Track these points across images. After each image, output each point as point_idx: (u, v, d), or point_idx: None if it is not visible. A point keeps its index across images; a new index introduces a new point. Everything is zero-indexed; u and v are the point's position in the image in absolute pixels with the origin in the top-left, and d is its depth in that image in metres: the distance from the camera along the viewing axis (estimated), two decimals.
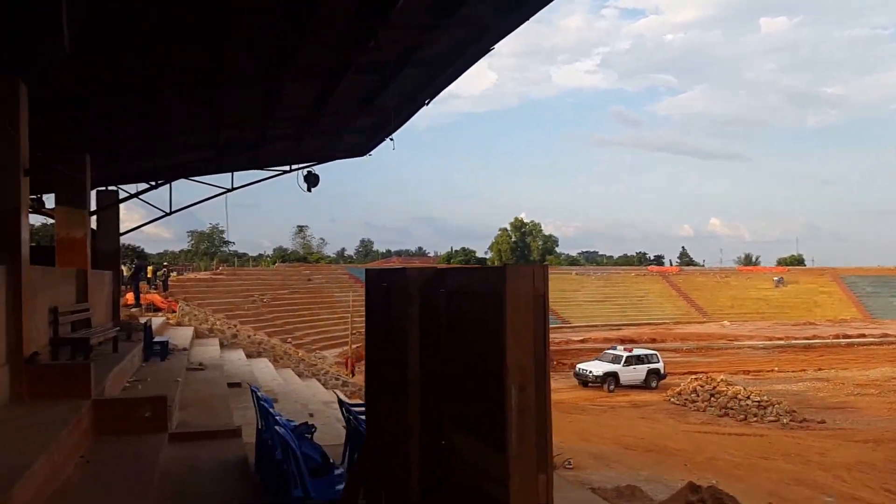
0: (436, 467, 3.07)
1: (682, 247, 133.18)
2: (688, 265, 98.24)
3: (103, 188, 16.31)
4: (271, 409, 6.55)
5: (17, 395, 7.32)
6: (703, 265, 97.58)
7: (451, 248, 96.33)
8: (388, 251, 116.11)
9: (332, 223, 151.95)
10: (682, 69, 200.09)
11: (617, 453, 20.60)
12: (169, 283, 40.74)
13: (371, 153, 16.00)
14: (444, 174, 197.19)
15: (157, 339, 15.29)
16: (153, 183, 15.62)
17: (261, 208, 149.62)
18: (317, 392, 20.15)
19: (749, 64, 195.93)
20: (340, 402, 8.86)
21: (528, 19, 7.73)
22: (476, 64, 9.65)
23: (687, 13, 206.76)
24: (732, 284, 77.97)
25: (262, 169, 16.27)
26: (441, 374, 3.01)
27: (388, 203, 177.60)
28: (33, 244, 14.12)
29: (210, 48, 7.62)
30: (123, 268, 33.04)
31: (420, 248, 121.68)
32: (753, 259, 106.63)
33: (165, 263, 56.39)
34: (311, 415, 12.69)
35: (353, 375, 31.60)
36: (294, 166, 15.60)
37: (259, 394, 7.36)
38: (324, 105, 10.63)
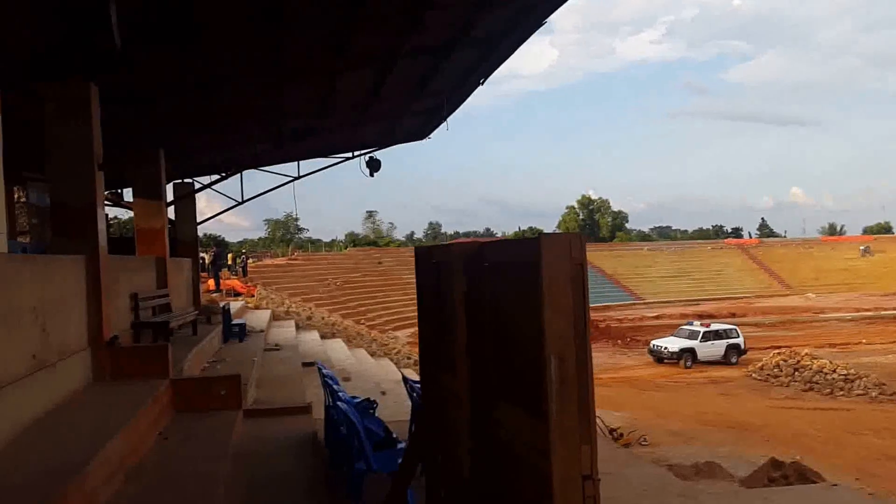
0: (485, 439, 3.11)
1: (762, 218, 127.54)
2: (768, 237, 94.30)
3: (180, 181, 17.06)
4: (335, 386, 6.74)
5: (100, 377, 7.76)
6: (784, 236, 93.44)
7: (519, 228, 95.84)
8: (456, 233, 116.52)
9: (401, 208, 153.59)
10: (752, 34, 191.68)
11: (695, 430, 20.11)
12: (248, 269, 42.40)
13: (430, 136, 16.19)
14: (509, 154, 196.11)
15: (235, 321, 15.93)
16: (222, 174, 16.19)
17: (332, 196, 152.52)
18: (389, 371, 20.55)
19: (823, 25, 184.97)
20: (405, 378, 9.03)
21: None
22: (530, 41, 9.52)
23: None
24: (816, 255, 74.57)
25: (325, 156, 16.60)
26: (487, 347, 3.03)
27: (454, 185, 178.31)
28: (117, 235, 15.02)
29: (268, 40, 7.85)
30: (205, 255, 34.60)
31: (487, 229, 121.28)
32: (838, 228, 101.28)
33: (244, 251, 58.82)
34: (384, 392, 12.95)
35: None
36: (356, 152, 15.82)
37: (324, 371, 7.59)
38: (379, 90, 10.74)
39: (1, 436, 5.03)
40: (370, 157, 14.74)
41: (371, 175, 14.62)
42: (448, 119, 13.23)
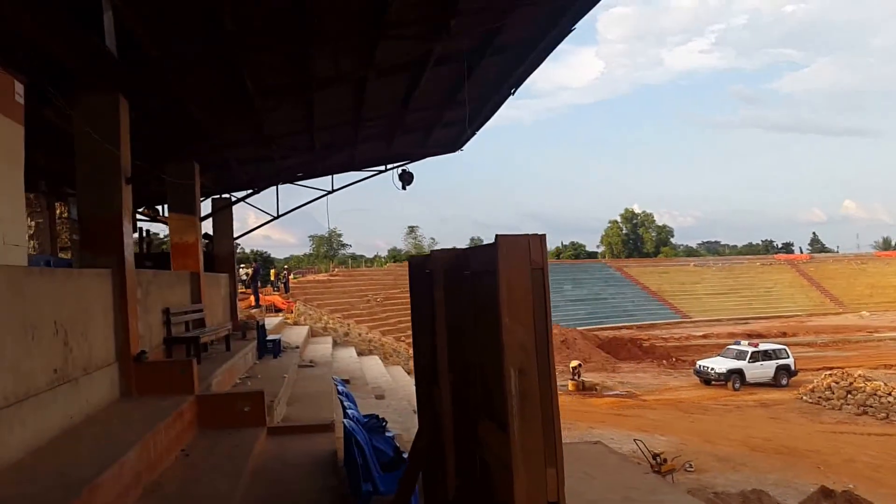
0: (469, 456, 2.94)
1: (813, 233, 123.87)
2: (820, 252, 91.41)
3: (217, 196, 17.23)
4: (345, 402, 6.55)
5: (127, 392, 7.73)
6: (836, 252, 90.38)
7: (561, 243, 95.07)
8: None
9: (443, 223, 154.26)
10: (803, 42, 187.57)
11: (743, 455, 19.47)
12: (290, 284, 42.89)
13: (462, 148, 16.07)
14: (553, 168, 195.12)
15: (270, 337, 15.91)
16: (256, 189, 16.32)
17: (374, 211, 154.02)
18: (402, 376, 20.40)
19: (877, 30, 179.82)
20: None
21: None
22: (575, 52, 9.52)
23: None
24: (870, 272, 72.04)
25: (359, 170, 16.60)
26: (469, 359, 2.87)
27: (496, 200, 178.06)
28: (158, 251, 15.21)
29: (295, 49, 7.83)
30: (246, 271, 35.10)
31: None
32: (893, 243, 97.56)
33: (286, 266, 59.77)
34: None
35: None
36: (389, 165, 15.79)
37: (339, 388, 7.41)
38: (409, 101, 10.65)
39: (20, 448, 5.03)
40: (402, 171, 14.63)
41: (404, 188, 14.50)
42: (480, 130, 13.10)
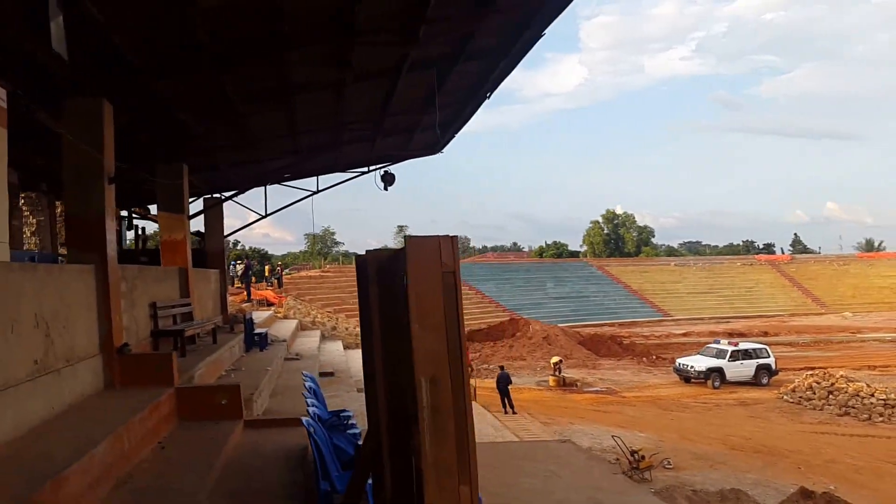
0: (405, 462, 2.87)
1: (795, 234, 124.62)
2: (801, 253, 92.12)
3: (209, 195, 17.49)
4: (309, 400, 6.72)
5: (110, 384, 7.96)
6: (818, 253, 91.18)
7: (545, 243, 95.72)
8: (484, 247, 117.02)
9: (433, 223, 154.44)
10: (785, 48, 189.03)
11: (722, 454, 19.54)
12: (283, 280, 43.30)
13: (443, 151, 16.35)
14: (539, 170, 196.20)
15: (257, 331, 16.12)
16: (242, 189, 16.60)
17: (366, 211, 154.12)
18: None
19: (858, 38, 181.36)
20: None
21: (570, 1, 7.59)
22: (559, 59, 9.77)
23: None
24: (852, 272, 72.59)
25: (343, 171, 16.89)
26: (401, 364, 2.71)
27: (484, 202, 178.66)
28: (153, 247, 15.47)
29: (272, 55, 8.03)
30: (240, 267, 35.36)
31: (515, 244, 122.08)
32: (876, 244, 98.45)
33: (280, 263, 60.34)
34: None
35: None
36: (372, 167, 16.04)
37: (307, 384, 7.61)
38: (388, 105, 10.86)
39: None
40: (384, 172, 14.86)
41: (385, 189, 14.71)
42: (461, 133, 13.34)
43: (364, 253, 3.31)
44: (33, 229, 15.71)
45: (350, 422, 6.57)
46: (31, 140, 8.57)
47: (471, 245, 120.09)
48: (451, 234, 2.22)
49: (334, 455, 5.15)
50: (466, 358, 2.08)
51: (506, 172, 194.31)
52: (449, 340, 2.05)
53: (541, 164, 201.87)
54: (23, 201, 15.41)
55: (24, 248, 14.82)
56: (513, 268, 73.40)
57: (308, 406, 6.44)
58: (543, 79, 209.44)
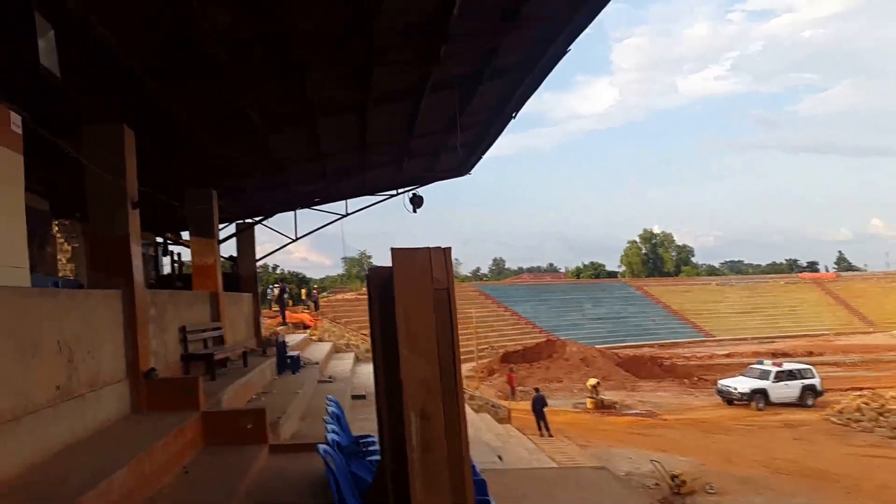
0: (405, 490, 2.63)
1: (839, 252, 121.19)
2: (847, 270, 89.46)
3: (241, 220, 17.70)
4: (329, 426, 6.57)
5: (136, 408, 7.95)
6: (865, 270, 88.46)
7: (582, 263, 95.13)
8: (520, 268, 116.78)
9: (465, 244, 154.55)
10: (822, 65, 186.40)
11: (767, 478, 18.90)
12: (319, 303, 43.69)
13: (471, 172, 16.36)
14: (573, 191, 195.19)
15: (290, 353, 16.13)
16: (270, 213, 16.75)
17: (397, 234, 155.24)
18: None
19: None
20: None
21: (597, 14, 7.46)
22: (589, 82, 9.75)
23: (825, 8, 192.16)
24: None
25: (371, 194, 17.00)
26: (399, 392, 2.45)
27: (520, 222, 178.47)
28: (189, 273, 15.73)
29: (292, 76, 8.04)
30: (276, 290, 35.75)
31: (551, 265, 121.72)
32: None
33: (315, 286, 61.07)
34: None
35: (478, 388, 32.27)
36: (399, 189, 16.13)
37: (330, 409, 7.48)
38: (413, 127, 10.83)
39: (16, 464, 5.14)
40: (413, 194, 14.91)
41: (414, 211, 14.73)
42: (486, 154, 13.27)
43: (368, 270, 3.11)
44: (68, 256, 16.04)
45: (371, 448, 6.40)
46: (60, 167, 8.69)
47: (506, 266, 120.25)
48: (441, 246, 1.93)
49: (352, 483, 4.98)
50: (461, 387, 1.69)
51: (539, 194, 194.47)
52: (442, 368, 1.74)
53: (574, 185, 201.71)
54: (56, 228, 15.74)
55: (60, 274, 15.08)
56: (549, 288, 73.40)
57: (327, 432, 6.30)
58: (574, 101, 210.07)
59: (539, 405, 24.02)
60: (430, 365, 1.74)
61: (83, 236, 15.93)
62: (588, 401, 30.96)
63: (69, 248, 16.09)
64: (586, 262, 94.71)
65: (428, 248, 1.93)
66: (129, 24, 5.86)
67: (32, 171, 6.99)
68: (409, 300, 1.81)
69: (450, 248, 1.94)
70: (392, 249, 1.89)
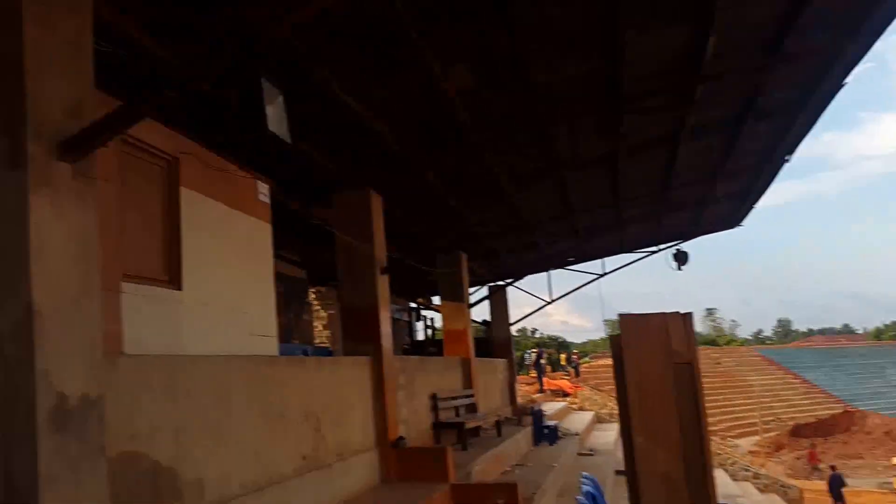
0: None
1: None
2: None
3: (493, 283, 17.81)
4: None
5: (385, 478, 7.92)
6: None
7: (882, 324, 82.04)
8: (810, 330, 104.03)
9: (744, 304, 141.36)
10: None
11: None
12: (580, 369, 42.76)
13: (742, 224, 14.79)
14: (868, 241, 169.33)
15: (546, 423, 15.57)
16: (520, 275, 16.51)
17: (665, 294, 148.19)
18: (721, 484, 18.10)
19: None
20: None
21: (873, 43, 6.19)
22: (877, 119, 8.04)
23: None
24: None
25: (629, 252, 16.06)
26: None
27: (805, 277, 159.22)
28: (441, 338, 16.20)
29: (535, 134, 7.80)
30: (533, 355, 35.67)
31: (846, 325, 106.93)
32: None
33: (574, 351, 60.12)
34: None
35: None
36: (661, 245, 15.08)
37: (584, 488, 6.64)
38: (669, 177, 9.96)
39: None
40: (677, 250, 13.77)
41: (679, 268, 13.61)
42: (758, 202, 11.74)
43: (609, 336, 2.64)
44: (325, 323, 17.15)
45: None
46: (314, 235, 9.25)
47: (793, 328, 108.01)
48: (682, 311, 1.52)
49: None
50: (714, 483, 1.32)
51: (827, 246, 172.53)
52: (688, 461, 1.35)
53: (868, 235, 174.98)
54: (313, 296, 16.93)
55: (316, 341, 16.07)
56: (845, 352, 66.46)
57: None
58: (859, 140, 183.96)
59: (837, 485, 21.28)
60: (671, 456, 1.38)
61: (338, 303, 17.13)
62: (895, 480, 27.60)
63: (325, 315, 17.19)
64: (887, 322, 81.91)
65: (664, 313, 1.63)
66: (370, 89, 5.96)
67: (289, 242, 7.55)
68: (640, 376, 1.61)
69: (690, 314, 1.69)
70: (620, 315, 1.75)
